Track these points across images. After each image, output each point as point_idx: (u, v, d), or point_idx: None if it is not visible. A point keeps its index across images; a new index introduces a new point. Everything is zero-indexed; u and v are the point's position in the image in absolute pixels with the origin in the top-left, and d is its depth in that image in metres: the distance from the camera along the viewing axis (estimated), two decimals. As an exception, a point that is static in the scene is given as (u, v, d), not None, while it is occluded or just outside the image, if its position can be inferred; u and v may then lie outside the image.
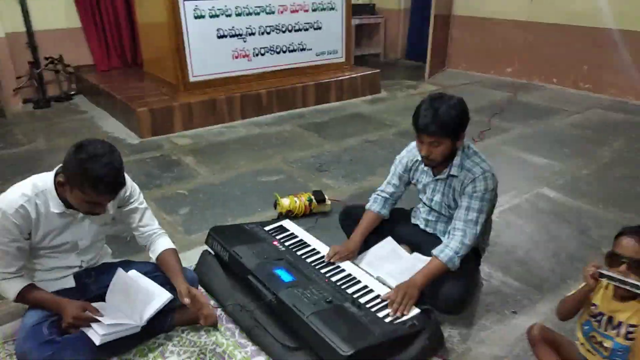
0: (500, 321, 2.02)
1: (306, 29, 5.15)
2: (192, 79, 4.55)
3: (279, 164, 3.66)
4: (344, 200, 3.02)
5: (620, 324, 1.48)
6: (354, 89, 5.43)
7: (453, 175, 2.01)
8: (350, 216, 2.39)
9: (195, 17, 4.40)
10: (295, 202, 2.80)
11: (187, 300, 1.78)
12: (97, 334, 1.70)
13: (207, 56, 4.58)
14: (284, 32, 5.00)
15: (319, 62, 5.35)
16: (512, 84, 5.96)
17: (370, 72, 5.60)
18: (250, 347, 1.86)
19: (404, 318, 1.80)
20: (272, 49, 4.98)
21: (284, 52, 5.07)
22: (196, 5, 4.39)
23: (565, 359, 1.66)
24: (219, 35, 4.59)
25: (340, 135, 4.29)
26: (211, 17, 4.48)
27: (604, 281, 1.47)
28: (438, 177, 2.06)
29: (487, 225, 2.19)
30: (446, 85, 6.04)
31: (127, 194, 1.89)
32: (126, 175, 1.82)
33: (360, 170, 3.54)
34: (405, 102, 5.32)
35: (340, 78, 5.32)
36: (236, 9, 4.62)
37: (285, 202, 2.80)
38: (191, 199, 3.11)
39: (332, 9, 5.28)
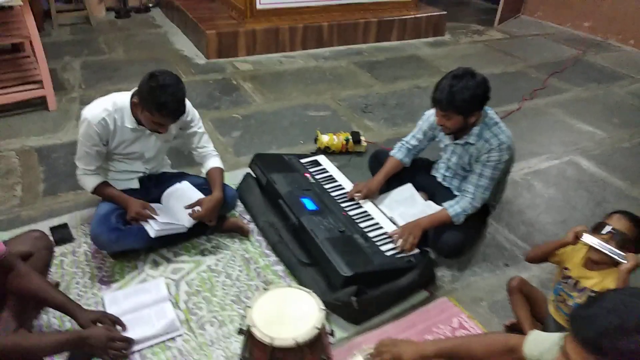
0: (492, 271, 2.26)
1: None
2: (259, 6, 4.71)
3: (328, 100, 3.88)
4: (379, 143, 3.23)
5: (584, 289, 1.68)
6: (416, 29, 5.40)
7: (470, 143, 2.17)
8: (378, 160, 2.61)
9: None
10: (334, 140, 3.06)
11: (196, 208, 2.16)
12: (152, 229, 2.11)
13: (276, -16, 4.71)
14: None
15: (385, -2, 5.31)
16: (586, 40, 5.67)
17: (436, 13, 5.51)
18: (272, 258, 2.24)
19: (404, 255, 2.10)
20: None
21: (351, -15, 5.07)
22: None
23: (536, 311, 1.88)
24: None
25: (393, 77, 4.40)
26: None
27: (583, 242, 1.62)
28: (457, 141, 2.23)
29: (500, 186, 2.38)
30: (514, 34, 5.84)
31: (188, 119, 2.21)
32: (189, 103, 2.16)
33: (402, 115, 3.70)
34: (466, 50, 5.26)
35: (404, 17, 5.29)
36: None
37: (325, 138, 3.07)
38: (244, 124, 3.44)
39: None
